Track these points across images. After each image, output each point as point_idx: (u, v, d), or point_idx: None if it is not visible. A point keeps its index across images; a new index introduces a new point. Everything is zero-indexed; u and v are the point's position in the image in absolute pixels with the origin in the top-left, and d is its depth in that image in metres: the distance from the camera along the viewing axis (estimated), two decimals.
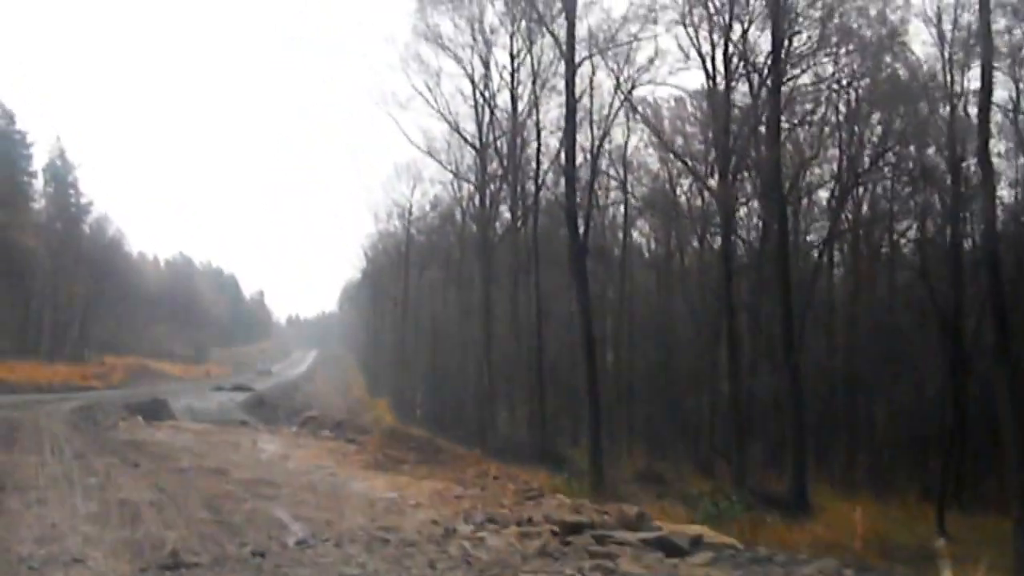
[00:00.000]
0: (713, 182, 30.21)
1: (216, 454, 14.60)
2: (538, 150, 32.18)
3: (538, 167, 32.89)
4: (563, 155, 27.18)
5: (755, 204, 32.88)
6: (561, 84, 30.29)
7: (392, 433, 18.82)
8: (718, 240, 36.61)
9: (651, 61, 29.82)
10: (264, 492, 10.71)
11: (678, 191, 40.18)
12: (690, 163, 34.31)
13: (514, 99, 35.42)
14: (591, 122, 30.86)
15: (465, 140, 39.83)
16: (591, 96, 31.32)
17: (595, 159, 30.45)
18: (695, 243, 41.48)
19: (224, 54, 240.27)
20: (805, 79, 27.95)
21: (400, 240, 62.84)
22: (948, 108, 28.11)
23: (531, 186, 37.95)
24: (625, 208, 41.69)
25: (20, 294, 54.07)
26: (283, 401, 37.39)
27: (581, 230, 27.12)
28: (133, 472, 11.89)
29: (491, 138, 38.34)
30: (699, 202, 39.44)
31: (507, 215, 40.99)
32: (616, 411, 37.34)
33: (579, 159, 29.24)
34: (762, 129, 26.77)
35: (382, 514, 9.99)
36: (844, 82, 29.16)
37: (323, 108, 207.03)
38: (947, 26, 27.81)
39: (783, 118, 26.82)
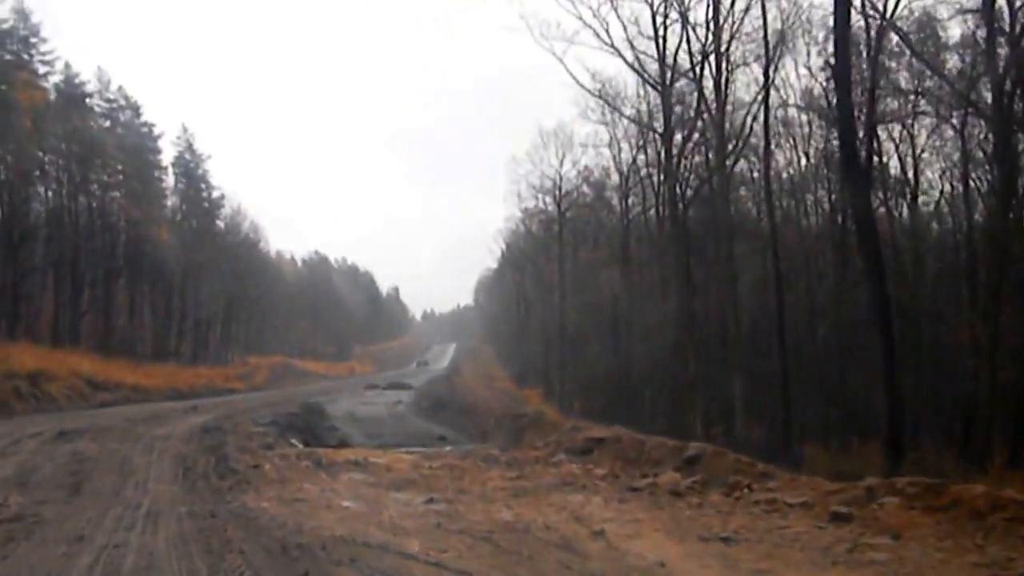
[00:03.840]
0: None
1: None
2: (766, 62, 24.55)
3: (766, 81, 25.28)
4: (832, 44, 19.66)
5: None
6: None
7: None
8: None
9: None
10: None
11: None
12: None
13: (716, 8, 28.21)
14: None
15: (644, 79, 33.39)
16: None
17: (878, 45, 22.30)
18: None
19: (345, 34, 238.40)
20: None
21: (550, 218, 57.43)
22: None
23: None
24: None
25: (160, 295, 50.93)
26: (455, 400, 31.59)
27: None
28: None
29: (688, 64, 31.02)
30: None
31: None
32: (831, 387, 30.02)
33: None
34: None
35: None
36: None
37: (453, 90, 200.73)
38: None
39: None
